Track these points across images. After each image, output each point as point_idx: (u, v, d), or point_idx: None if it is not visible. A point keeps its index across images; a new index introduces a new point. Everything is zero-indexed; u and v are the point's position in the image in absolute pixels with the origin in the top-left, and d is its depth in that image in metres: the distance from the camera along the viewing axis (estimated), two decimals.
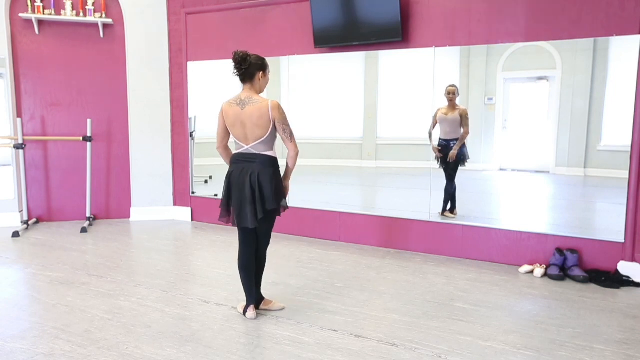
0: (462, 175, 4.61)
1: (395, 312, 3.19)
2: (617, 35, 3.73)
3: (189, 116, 5.74)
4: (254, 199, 2.87)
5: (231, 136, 3.03)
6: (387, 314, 3.16)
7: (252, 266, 3.05)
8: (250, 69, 2.91)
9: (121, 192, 5.86)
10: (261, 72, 2.95)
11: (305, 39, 4.95)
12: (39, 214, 5.67)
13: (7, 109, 5.37)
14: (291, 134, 2.95)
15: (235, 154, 3.01)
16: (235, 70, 2.92)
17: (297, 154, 2.99)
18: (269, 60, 3.06)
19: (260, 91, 3.01)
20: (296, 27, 5.01)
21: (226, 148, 3.09)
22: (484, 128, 4.60)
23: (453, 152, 4.51)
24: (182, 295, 3.48)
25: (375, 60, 4.99)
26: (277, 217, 3.08)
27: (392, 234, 4.69)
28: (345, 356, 2.62)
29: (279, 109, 2.89)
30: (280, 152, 3.07)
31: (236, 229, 3.08)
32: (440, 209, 4.59)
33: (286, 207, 3.07)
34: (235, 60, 2.89)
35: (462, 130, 4.49)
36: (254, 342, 2.79)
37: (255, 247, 3.06)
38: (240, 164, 2.95)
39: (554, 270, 3.85)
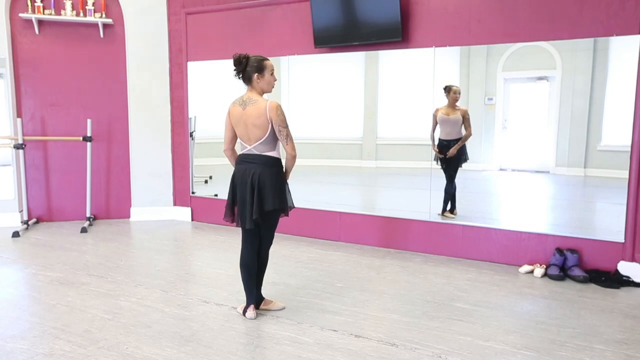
0: (462, 175, 4.62)
1: (395, 312, 3.19)
2: (617, 35, 3.73)
3: (189, 116, 5.74)
4: (252, 200, 2.88)
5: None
6: (387, 314, 3.16)
7: (253, 266, 3.05)
8: (246, 71, 2.92)
9: (121, 192, 5.86)
10: (257, 74, 2.93)
11: (305, 39, 4.95)
12: (39, 214, 5.67)
13: (7, 109, 5.37)
14: (287, 136, 2.93)
15: (239, 154, 3.03)
16: (234, 72, 2.95)
17: (293, 157, 2.98)
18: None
19: (262, 92, 2.99)
20: (296, 27, 5.01)
21: (233, 151, 3.10)
22: (484, 128, 4.60)
23: (453, 149, 4.51)
24: (182, 295, 3.48)
25: (375, 60, 4.99)
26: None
27: (392, 234, 4.69)
28: (345, 356, 2.62)
29: (277, 110, 2.88)
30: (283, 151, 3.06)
31: (238, 229, 3.09)
32: (440, 209, 4.59)
33: (292, 207, 3.07)
34: (233, 62, 2.93)
35: (464, 130, 4.49)
36: (254, 342, 2.79)
37: (257, 247, 3.06)
38: (243, 164, 2.97)
39: (554, 270, 3.85)
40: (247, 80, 2.95)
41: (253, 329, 2.94)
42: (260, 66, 2.94)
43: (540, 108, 4.49)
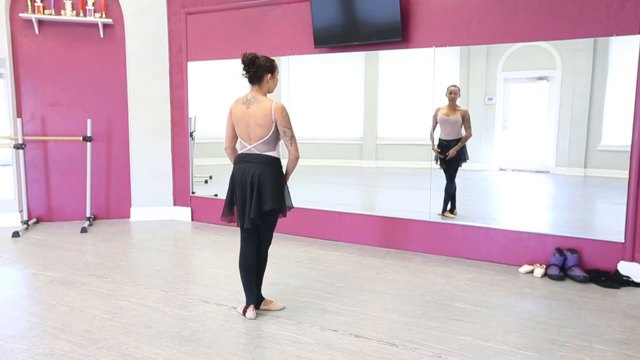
0: (462, 175, 4.62)
1: (395, 312, 3.19)
2: (617, 35, 3.73)
3: (189, 116, 5.74)
4: (251, 200, 2.88)
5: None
6: (387, 314, 3.16)
7: (252, 266, 3.05)
8: (258, 71, 2.92)
9: (121, 192, 5.86)
10: (269, 74, 2.95)
11: (305, 39, 4.95)
12: (39, 214, 5.67)
13: (7, 109, 5.37)
14: (292, 138, 2.94)
15: (239, 154, 3.03)
16: (244, 72, 2.93)
17: (296, 158, 2.99)
18: None
19: (269, 92, 3.01)
20: (296, 27, 5.01)
21: (234, 149, 3.10)
22: (484, 128, 4.60)
23: (453, 150, 4.51)
24: (182, 295, 3.48)
25: (375, 60, 4.99)
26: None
27: (392, 234, 4.69)
28: (345, 356, 2.62)
29: (282, 111, 2.89)
30: (284, 151, 3.06)
31: (237, 229, 3.09)
32: (440, 209, 4.59)
33: (291, 207, 3.07)
34: (244, 62, 2.90)
35: (463, 131, 4.49)
36: (254, 342, 2.79)
37: (256, 247, 3.06)
38: (242, 164, 2.96)
39: (554, 270, 3.85)
40: (257, 80, 2.94)
41: (253, 329, 2.94)
42: (272, 66, 2.97)
43: (540, 108, 4.50)
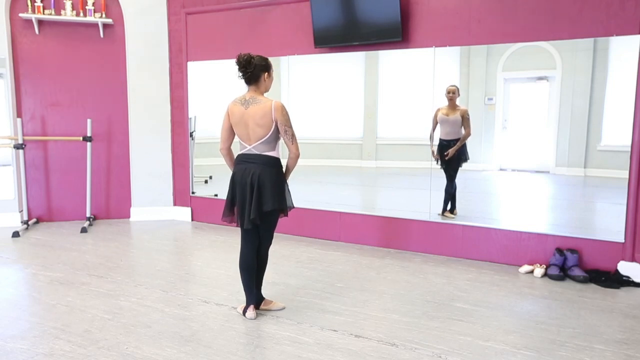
0: (462, 175, 4.62)
1: (395, 312, 3.19)
2: (617, 35, 3.73)
3: (189, 116, 5.74)
4: (251, 200, 2.88)
5: (236, 137, 3.04)
6: (387, 314, 3.16)
7: (253, 266, 3.05)
8: (255, 71, 2.91)
9: (121, 192, 5.86)
10: (266, 73, 2.96)
11: (305, 39, 4.95)
12: (39, 214, 5.67)
13: (7, 109, 5.37)
14: (293, 136, 2.95)
15: (238, 154, 3.03)
16: (240, 73, 2.92)
17: (297, 156, 3.00)
18: None
19: (266, 91, 3.02)
20: (296, 27, 5.01)
21: (229, 150, 3.09)
22: (484, 128, 4.60)
23: (452, 151, 4.51)
24: (182, 295, 3.48)
25: (375, 60, 4.99)
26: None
27: (392, 234, 4.69)
28: (345, 356, 2.62)
29: (282, 110, 2.89)
30: (283, 151, 3.06)
31: (237, 229, 3.09)
32: (440, 209, 4.59)
33: (292, 207, 3.07)
34: (239, 63, 2.89)
35: (463, 130, 4.49)
36: (254, 342, 2.79)
37: (256, 247, 3.06)
38: (242, 164, 2.96)
39: (554, 270, 3.85)
40: (254, 79, 2.94)
41: (253, 329, 2.94)
42: (267, 65, 2.97)
43: (540, 108, 4.50)
